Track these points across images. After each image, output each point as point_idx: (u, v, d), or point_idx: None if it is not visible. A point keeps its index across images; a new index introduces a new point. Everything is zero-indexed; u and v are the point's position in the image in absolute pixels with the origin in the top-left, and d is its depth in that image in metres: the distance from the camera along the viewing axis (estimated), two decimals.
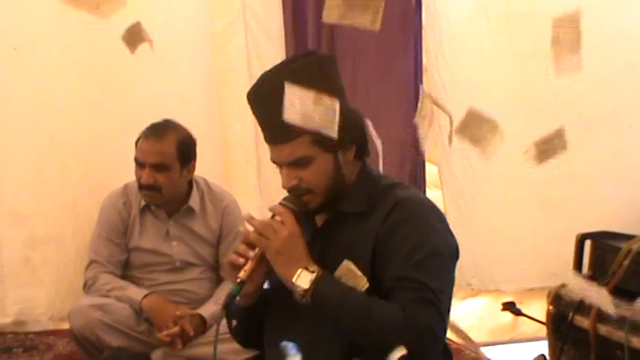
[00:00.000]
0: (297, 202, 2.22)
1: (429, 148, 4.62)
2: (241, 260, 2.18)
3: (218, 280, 3.79)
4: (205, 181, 3.79)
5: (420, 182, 4.59)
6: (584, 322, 3.00)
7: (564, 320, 3.09)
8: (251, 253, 2.18)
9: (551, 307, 3.18)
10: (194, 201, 3.71)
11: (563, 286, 3.16)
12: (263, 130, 2.23)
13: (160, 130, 3.60)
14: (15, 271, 4.11)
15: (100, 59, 4.11)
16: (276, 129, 2.17)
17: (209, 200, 3.76)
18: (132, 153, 3.63)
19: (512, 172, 4.65)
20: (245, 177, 4.50)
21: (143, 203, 3.69)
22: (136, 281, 3.68)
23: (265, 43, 4.45)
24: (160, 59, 4.20)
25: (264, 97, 2.18)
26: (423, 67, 4.61)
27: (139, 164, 3.58)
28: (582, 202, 4.66)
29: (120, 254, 3.70)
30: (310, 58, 2.23)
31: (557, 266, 4.20)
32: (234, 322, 2.40)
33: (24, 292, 4.12)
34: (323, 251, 2.26)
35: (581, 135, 4.66)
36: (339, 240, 2.25)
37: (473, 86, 4.62)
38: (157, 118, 3.67)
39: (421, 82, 4.61)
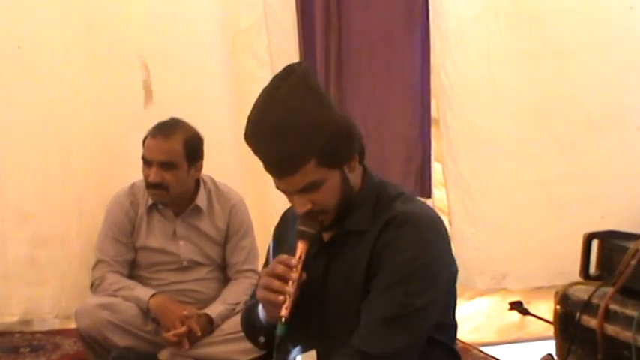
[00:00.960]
0: (315, 225, 2.21)
1: (435, 146, 4.64)
2: (280, 298, 2.16)
3: (225, 280, 3.79)
4: (212, 180, 3.80)
5: (427, 181, 4.59)
6: (591, 321, 2.98)
7: (571, 320, 3.06)
8: (288, 288, 2.16)
9: (558, 307, 3.16)
10: (201, 200, 3.72)
11: (570, 285, 3.15)
12: (267, 167, 2.20)
13: (168, 128, 3.61)
14: (20, 270, 4.13)
15: (105, 58, 4.13)
16: (280, 165, 2.16)
17: (216, 199, 3.77)
18: (137, 152, 3.65)
19: (520, 171, 4.66)
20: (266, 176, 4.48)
21: (150, 202, 3.69)
22: (143, 281, 3.69)
23: (282, 42, 4.46)
24: (171, 59, 4.24)
25: (263, 137, 2.14)
26: (431, 66, 4.61)
27: (147, 162, 3.59)
28: (589, 201, 4.67)
29: (127, 254, 3.71)
30: (293, 79, 2.16)
31: (564, 265, 4.19)
32: (261, 339, 2.37)
33: (29, 291, 4.14)
34: (327, 267, 2.26)
35: (589, 135, 4.68)
36: (342, 257, 2.25)
37: (480, 86, 4.63)
38: (163, 117, 3.68)
39: (429, 82, 4.61)
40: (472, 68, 4.63)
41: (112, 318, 3.49)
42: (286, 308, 2.15)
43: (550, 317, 3.29)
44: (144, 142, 3.63)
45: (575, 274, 3.22)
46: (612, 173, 4.77)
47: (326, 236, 2.30)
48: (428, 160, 4.61)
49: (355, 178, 2.25)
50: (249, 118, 2.18)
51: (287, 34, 4.46)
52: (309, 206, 2.19)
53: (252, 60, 4.39)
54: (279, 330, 2.15)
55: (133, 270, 3.73)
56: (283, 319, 2.14)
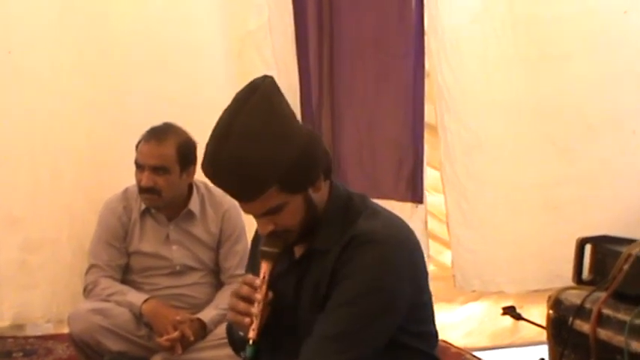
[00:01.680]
0: (279, 243, 2.19)
1: (428, 152, 4.63)
2: (247, 320, 2.15)
3: (218, 285, 3.78)
4: (205, 185, 3.78)
5: (419, 186, 4.57)
6: (584, 326, 2.99)
7: (564, 324, 3.07)
8: (253, 310, 2.15)
9: (551, 312, 3.17)
10: (194, 205, 3.71)
11: (563, 290, 3.15)
12: (227, 192, 2.17)
13: (161, 133, 3.60)
14: (11, 275, 4.09)
15: (94, 62, 4.11)
16: (240, 192, 2.13)
17: (209, 204, 3.76)
18: (127, 155, 3.64)
19: (516, 174, 4.65)
20: None
21: (143, 207, 3.68)
22: (136, 285, 3.67)
23: (283, 46, 4.44)
24: (171, 63, 4.23)
25: (221, 169, 2.10)
26: (426, 71, 4.59)
27: (139, 167, 3.58)
28: (586, 205, 4.66)
29: (120, 259, 3.70)
30: (256, 101, 2.10)
31: (560, 268, 4.18)
32: (242, 354, 2.28)
33: (21, 296, 4.10)
34: (298, 283, 2.24)
35: (585, 139, 4.67)
36: (310, 274, 2.23)
37: (477, 89, 4.62)
38: (153, 121, 3.68)
39: (422, 86, 4.60)
40: (469, 72, 4.62)
41: (105, 323, 3.47)
42: (253, 330, 2.13)
43: (543, 322, 3.29)
44: (137, 146, 3.62)
45: (571, 279, 3.22)
46: (609, 177, 4.76)
47: (297, 252, 2.28)
48: (420, 165, 4.58)
49: (321, 196, 2.21)
50: (206, 147, 2.11)
51: (286, 38, 4.45)
52: (271, 227, 2.17)
53: (259, 61, 4.37)
54: (248, 352, 2.13)
55: (126, 275, 3.72)
56: (251, 342, 2.13)
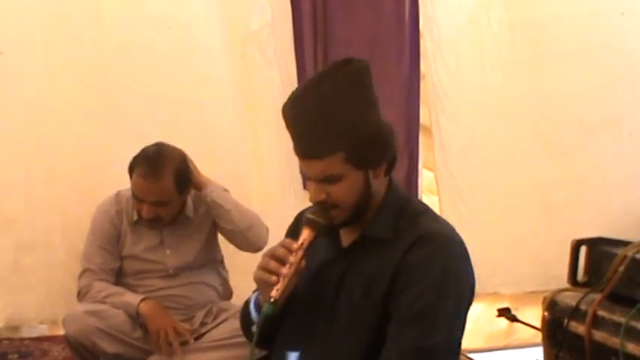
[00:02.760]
0: (325, 215, 2.19)
1: (423, 154, 4.63)
2: (274, 278, 2.13)
3: (218, 285, 3.81)
4: None
5: (414, 188, 4.57)
6: (579, 328, 2.99)
7: (559, 326, 3.08)
8: (283, 270, 2.14)
9: (546, 313, 3.17)
10: (189, 209, 3.71)
11: (558, 291, 3.16)
12: (295, 142, 2.19)
13: (157, 166, 3.52)
14: (5, 276, 4.07)
15: (89, 62, 4.09)
16: (310, 145, 2.15)
17: (199, 201, 3.75)
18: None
19: (512, 176, 4.65)
20: (280, 176, 4.45)
21: (134, 218, 3.67)
22: (130, 288, 3.67)
23: (283, 47, 4.44)
24: (162, 62, 4.22)
25: (301, 113, 2.14)
26: (421, 73, 4.59)
27: (138, 199, 3.56)
28: (581, 206, 4.66)
29: (113, 262, 3.69)
30: (350, 69, 2.16)
31: (556, 269, 4.18)
32: (253, 328, 2.29)
33: (14, 297, 4.08)
34: (344, 273, 2.23)
35: (581, 140, 4.67)
36: (362, 265, 2.22)
37: (473, 91, 4.62)
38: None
39: (417, 88, 4.60)
40: (465, 73, 4.61)
41: (100, 325, 3.47)
42: (277, 290, 2.12)
43: (538, 324, 3.29)
44: (130, 172, 3.56)
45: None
46: (604, 179, 4.76)
47: (345, 241, 2.28)
48: (415, 168, 4.57)
49: (378, 185, 2.23)
50: (294, 91, 2.18)
51: (288, 38, 4.45)
52: (323, 196, 2.17)
53: (262, 61, 4.37)
54: (266, 309, 2.11)
55: (120, 278, 3.71)
56: (272, 299, 2.11)
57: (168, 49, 4.23)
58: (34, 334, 4.20)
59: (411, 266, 2.14)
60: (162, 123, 4.12)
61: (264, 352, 2.42)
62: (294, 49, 4.43)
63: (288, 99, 2.17)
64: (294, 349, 2.26)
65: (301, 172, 2.21)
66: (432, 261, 2.14)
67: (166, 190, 3.52)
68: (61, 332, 4.05)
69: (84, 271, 3.67)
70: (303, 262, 2.18)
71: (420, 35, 4.55)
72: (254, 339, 2.17)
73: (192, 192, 3.73)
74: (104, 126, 4.12)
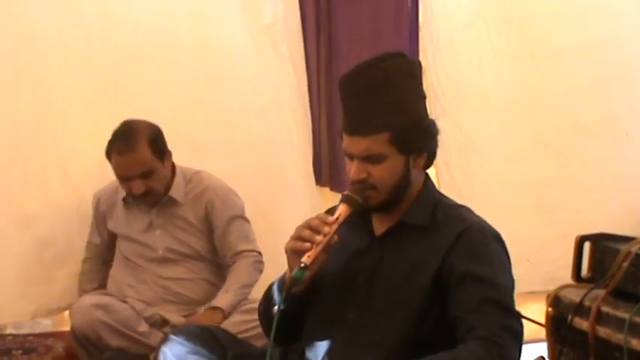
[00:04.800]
0: (362, 195, 2.23)
1: None
2: (307, 245, 2.18)
3: (217, 281, 3.78)
4: (184, 168, 3.82)
5: None
6: (583, 324, 2.99)
7: (563, 322, 3.07)
8: (318, 238, 2.18)
9: (550, 309, 3.17)
10: (176, 191, 3.73)
11: (562, 287, 3.16)
12: (345, 118, 2.26)
13: (129, 139, 3.59)
14: (27, 271, 4.09)
15: (102, 59, 4.14)
16: (359, 120, 2.21)
17: (192, 186, 3.78)
18: None
19: (510, 176, 4.66)
20: (294, 171, 4.50)
21: (122, 196, 3.72)
22: (138, 269, 3.72)
23: (296, 40, 4.49)
24: (175, 58, 4.22)
25: (356, 87, 2.22)
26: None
27: (124, 179, 3.60)
28: (579, 206, 4.68)
29: (95, 238, 3.86)
30: (403, 60, 2.26)
31: (555, 270, 4.21)
32: (275, 309, 2.33)
33: (38, 290, 4.10)
34: (381, 260, 2.27)
35: (579, 141, 4.71)
36: (402, 251, 2.26)
37: (471, 88, 4.64)
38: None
39: None
40: (463, 74, 4.64)
41: (106, 318, 3.50)
42: (309, 256, 2.16)
43: (542, 320, 3.30)
44: (108, 157, 3.61)
45: (565, 280, 3.23)
46: (602, 179, 4.79)
47: (378, 230, 2.32)
48: None
49: (416, 176, 2.29)
50: (353, 67, 2.25)
51: (295, 35, 4.45)
52: (363, 175, 2.23)
53: (274, 55, 4.42)
54: (295, 273, 2.15)
55: (128, 260, 3.75)
56: (302, 265, 2.15)
57: (181, 44, 4.28)
58: (37, 330, 4.20)
59: (463, 257, 2.21)
60: (177, 118, 4.16)
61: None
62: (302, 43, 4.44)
63: (345, 74, 2.27)
64: (323, 339, 2.29)
65: (344, 149, 2.24)
66: (487, 253, 2.25)
67: (146, 158, 3.58)
68: (65, 328, 4.08)
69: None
70: (336, 237, 2.22)
71: (419, 36, 4.58)
72: (277, 313, 2.20)
73: (183, 176, 3.75)
74: (117, 122, 4.10)
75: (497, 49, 4.67)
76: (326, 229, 2.19)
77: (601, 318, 2.93)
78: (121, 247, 3.81)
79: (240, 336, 3.48)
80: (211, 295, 3.75)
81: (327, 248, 2.21)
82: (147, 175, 3.61)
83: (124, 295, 3.73)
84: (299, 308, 2.33)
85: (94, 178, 4.11)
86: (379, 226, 2.33)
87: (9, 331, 4.20)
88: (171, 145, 3.76)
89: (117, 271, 3.83)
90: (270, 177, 4.42)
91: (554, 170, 4.74)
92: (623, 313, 2.86)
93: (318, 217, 2.24)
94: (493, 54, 4.68)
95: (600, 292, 2.97)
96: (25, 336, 4.16)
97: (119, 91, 4.20)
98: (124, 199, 3.75)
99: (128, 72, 4.19)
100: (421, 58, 4.60)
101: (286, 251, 2.24)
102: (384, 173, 2.22)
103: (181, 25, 4.27)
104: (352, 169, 2.25)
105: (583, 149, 4.76)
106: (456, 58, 4.64)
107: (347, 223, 2.27)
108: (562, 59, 4.71)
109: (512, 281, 2.33)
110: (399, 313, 2.21)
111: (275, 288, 2.36)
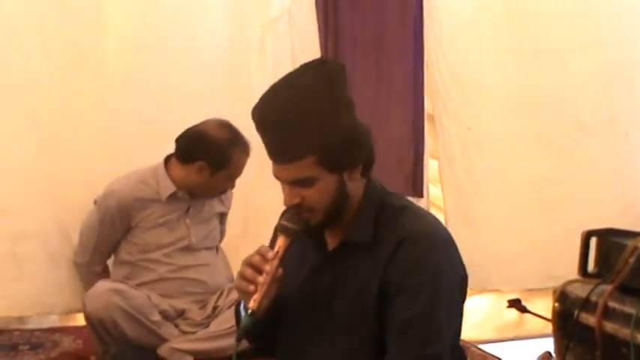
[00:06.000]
0: (299, 220, 2.16)
1: (430, 143, 4.64)
2: (251, 287, 2.12)
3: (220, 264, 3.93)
4: None
5: (419, 181, 4.57)
6: (589, 319, 2.99)
7: (570, 317, 3.08)
8: (260, 279, 2.12)
9: (556, 305, 3.17)
10: None
11: (568, 283, 3.16)
12: (266, 147, 2.16)
13: (244, 137, 3.70)
14: (0, 267, 4.03)
15: (85, 50, 4.07)
16: (280, 149, 2.12)
17: None
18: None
19: (512, 173, 4.66)
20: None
21: (170, 191, 3.75)
22: (153, 264, 3.72)
23: (302, 33, 4.46)
24: (173, 50, 4.21)
25: (270, 117, 2.10)
26: (425, 67, 4.61)
27: (235, 177, 3.77)
28: (581, 204, 4.69)
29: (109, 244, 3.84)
30: (319, 73, 2.12)
31: (556, 267, 4.23)
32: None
33: (10, 288, 4.04)
34: (334, 281, 2.22)
35: (580, 138, 4.71)
36: (349, 271, 2.20)
37: (474, 85, 4.64)
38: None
39: (422, 82, 4.60)
40: (465, 70, 4.64)
41: (122, 303, 3.51)
42: (255, 300, 2.10)
43: (548, 315, 3.30)
44: (228, 158, 3.69)
45: (567, 277, 3.23)
46: (602, 177, 4.79)
47: (330, 244, 2.26)
48: (421, 160, 4.58)
49: (355, 187, 2.20)
50: (263, 95, 2.14)
51: (306, 27, 4.44)
52: (297, 200, 2.14)
53: (279, 49, 4.37)
54: (244, 321, 2.10)
55: (145, 254, 3.75)
56: (250, 311, 2.09)
57: (182, 37, 4.23)
58: (44, 325, 4.20)
59: (399, 271, 2.12)
60: (170, 113, 4.13)
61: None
62: (318, 40, 4.44)
63: (258, 102, 2.14)
64: (297, 356, 2.26)
65: (275, 176, 2.16)
66: (419, 263, 2.11)
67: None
68: (72, 323, 4.08)
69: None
70: (280, 270, 2.15)
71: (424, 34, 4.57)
72: (234, 351, 2.14)
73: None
74: (101, 115, 4.10)
75: (500, 45, 4.67)
76: (267, 267, 2.11)
77: (608, 313, 2.93)
78: (143, 240, 3.78)
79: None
80: (221, 283, 3.84)
81: (274, 281, 2.14)
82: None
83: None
84: (267, 326, 2.28)
85: (77, 173, 4.06)
86: (331, 239, 2.26)
87: (15, 326, 4.18)
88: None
89: (126, 272, 3.82)
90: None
91: (555, 168, 4.74)
92: (629, 309, 2.86)
93: (259, 253, 2.15)
94: (496, 51, 4.67)
95: (607, 288, 2.98)
96: (32, 331, 4.13)
97: (107, 84, 4.11)
98: (172, 194, 3.76)
99: (117, 65, 4.11)
100: (424, 55, 4.59)
101: (235, 289, 2.20)
102: (318, 195, 2.12)
103: (188, 17, 4.22)
104: (284, 195, 2.17)
105: (584, 147, 4.76)
106: (458, 54, 4.63)
107: (299, 239, 2.21)
108: (564, 57, 4.71)
109: (454, 294, 2.20)
110: (356, 337, 2.18)
111: (242, 307, 2.25)
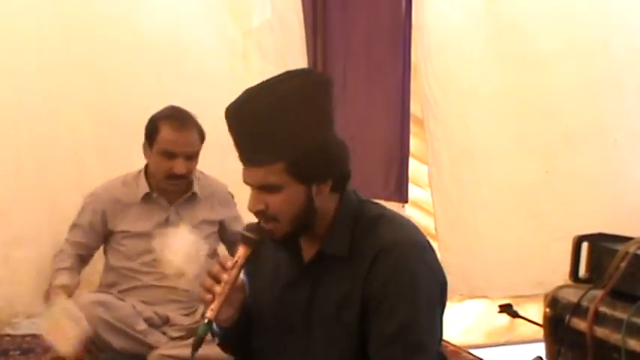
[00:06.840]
0: (259, 229, 2.15)
1: (419, 146, 4.66)
2: (209, 296, 2.12)
3: None
4: (202, 172, 3.84)
5: (404, 186, 4.58)
6: (581, 324, 3.01)
7: (561, 322, 3.09)
8: (217, 288, 2.12)
9: (548, 310, 3.18)
10: (196, 187, 3.77)
11: (560, 288, 3.17)
12: (237, 148, 2.14)
13: (184, 119, 3.65)
14: None
15: (80, 56, 4.07)
16: (250, 151, 2.10)
17: (204, 187, 3.81)
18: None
19: (499, 180, 4.68)
20: None
21: (144, 192, 3.71)
22: (136, 273, 3.70)
23: (284, 43, 4.46)
24: (157, 57, 4.21)
25: (243, 117, 2.08)
26: (412, 71, 4.62)
27: (170, 155, 3.61)
28: (568, 211, 4.69)
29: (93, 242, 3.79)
30: (301, 81, 2.10)
31: (544, 274, 4.24)
32: (215, 340, 2.34)
33: (3, 291, 4.03)
34: (310, 295, 2.20)
35: (568, 146, 4.72)
36: (327, 285, 2.18)
37: (462, 93, 4.65)
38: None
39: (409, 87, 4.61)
40: (454, 78, 4.65)
41: (106, 316, 3.47)
42: (212, 310, 2.10)
43: (540, 320, 3.31)
44: (154, 133, 3.62)
45: (555, 284, 3.24)
46: (590, 184, 4.81)
47: (306, 256, 2.23)
48: (406, 165, 4.59)
49: (324, 202, 2.15)
50: (240, 95, 2.11)
51: (289, 36, 4.44)
52: (261, 206, 2.12)
53: (261, 59, 4.38)
54: (200, 329, 2.10)
55: (125, 262, 3.73)
56: (206, 320, 2.10)
57: (165, 43, 4.23)
58: (35, 331, 4.17)
59: (377, 283, 2.10)
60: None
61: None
62: (304, 46, 4.44)
63: (234, 101, 2.11)
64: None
65: (243, 180, 2.15)
66: (395, 274, 2.09)
67: (195, 140, 3.64)
68: None
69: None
70: (241, 279, 2.16)
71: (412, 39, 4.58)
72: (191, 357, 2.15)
73: (197, 174, 3.79)
74: (94, 120, 4.12)
75: (489, 53, 4.68)
76: (225, 276, 2.11)
77: (599, 318, 2.95)
78: (125, 247, 3.77)
79: None
80: None
81: (234, 291, 2.15)
82: (192, 157, 3.65)
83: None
84: (242, 336, 2.30)
85: (69, 177, 4.06)
86: (306, 250, 2.22)
87: (6, 331, 4.16)
88: None
89: (114, 279, 3.81)
90: None
91: (543, 175, 4.75)
92: (620, 314, 2.87)
93: (218, 262, 2.16)
94: (484, 58, 4.69)
95: (598, 293, 2.99)
96: (23, 336, 4.09)
97: (98, 88, 4.11)
98: (146, 195, 3.73)
99: (108, 69, 4.11)
100: (413, 62, 4.60)
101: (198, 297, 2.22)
102: (282, 204, 2.09)
103: (170, 25, 4.21)
104: (251, 200, 2.14)
105: (573, 154, 4.78)
106: (447, 62, 4.64)
107: (276, 245, 2.21)
108: (552, 64, 4.73)
109: (434, 300, 2.16)
110: (335, 352, 2.16)
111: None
